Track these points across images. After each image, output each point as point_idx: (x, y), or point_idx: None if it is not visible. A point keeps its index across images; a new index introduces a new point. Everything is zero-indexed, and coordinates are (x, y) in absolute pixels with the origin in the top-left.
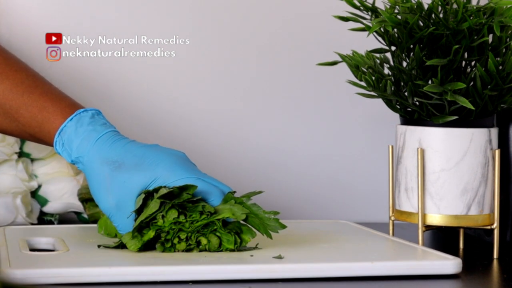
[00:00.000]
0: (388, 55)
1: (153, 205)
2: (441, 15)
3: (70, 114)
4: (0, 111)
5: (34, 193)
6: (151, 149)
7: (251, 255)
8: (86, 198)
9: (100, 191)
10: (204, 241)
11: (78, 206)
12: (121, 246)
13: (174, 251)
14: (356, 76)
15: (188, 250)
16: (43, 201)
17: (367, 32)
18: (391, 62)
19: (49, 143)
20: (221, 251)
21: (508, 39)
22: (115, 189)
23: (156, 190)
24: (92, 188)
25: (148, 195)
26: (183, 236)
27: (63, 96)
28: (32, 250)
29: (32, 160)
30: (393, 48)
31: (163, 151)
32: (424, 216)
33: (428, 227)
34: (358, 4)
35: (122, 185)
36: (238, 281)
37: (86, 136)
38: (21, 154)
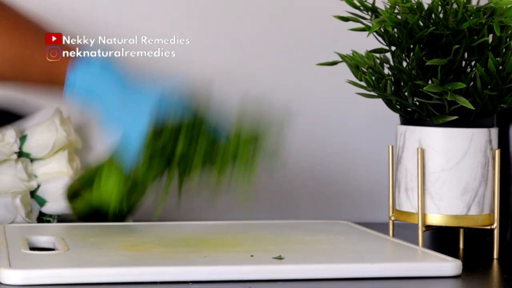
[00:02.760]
0: (388, 55)
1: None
2: (441, 15)
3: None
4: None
5: (33, 193)
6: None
7: (251, 255)
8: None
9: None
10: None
11: None
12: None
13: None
14: (356, 76)
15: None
16: (42, 201)
17: (367, 32)
18: (391, 62)
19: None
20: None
21: (508, 39)
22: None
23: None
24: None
25: None
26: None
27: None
28: (32, 248)
29: (32, 160)
30: (393, 48)
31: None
32: (424, 216)
33: (428, 227)
34: (358, 4)
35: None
36: (238, 281)
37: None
38: (21, 154)
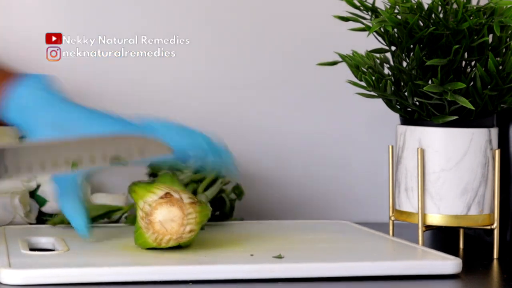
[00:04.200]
0: (388, 55)
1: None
2: (441, 15)
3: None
4: None
5: (33, 193)
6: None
7: (251, 255)
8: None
9: None
10: None
11: None
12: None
13: None
14: (356, 76)
15: None
16: (42, 201)
17: (367, 32)
18: (391, 62)
19: None
20: None
21: (508, 39)
22: None
23: None
24: None
25: None
26: None
27: None
28: (32, 249)
29: None
30: (393, 48)
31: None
32: (424, 216)
33: (428, 227)
34: (358, 4)
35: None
36: (238, 280)
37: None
38: None
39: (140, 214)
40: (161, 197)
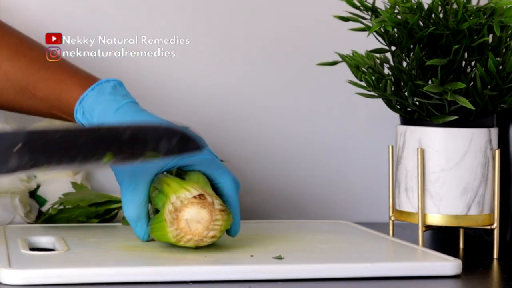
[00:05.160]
0: (388, 55)
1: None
2: (441, 15)
3: (88, 85)
4: (18, 89)
5: (33, 193)
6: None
7: (251, 255)
8: None
9: None
10: None
11: None
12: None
13: None
14: (356, 76)
15: None
16: (42, 201)
17: (367, 32)
18: (391, 62)
19: (67, 114)
20: None
21: (508, 39)
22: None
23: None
24: None
25: None
26: None
27: (79, 69)
28: (32, 249)
29: None
30: (393, 48)
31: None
32: (424, 216)
33: (428, 227)
34: (358, 4)
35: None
36: (238, 281)
37: (107, 105)
38: None
39: (169, 207)
40: (195, 197)
